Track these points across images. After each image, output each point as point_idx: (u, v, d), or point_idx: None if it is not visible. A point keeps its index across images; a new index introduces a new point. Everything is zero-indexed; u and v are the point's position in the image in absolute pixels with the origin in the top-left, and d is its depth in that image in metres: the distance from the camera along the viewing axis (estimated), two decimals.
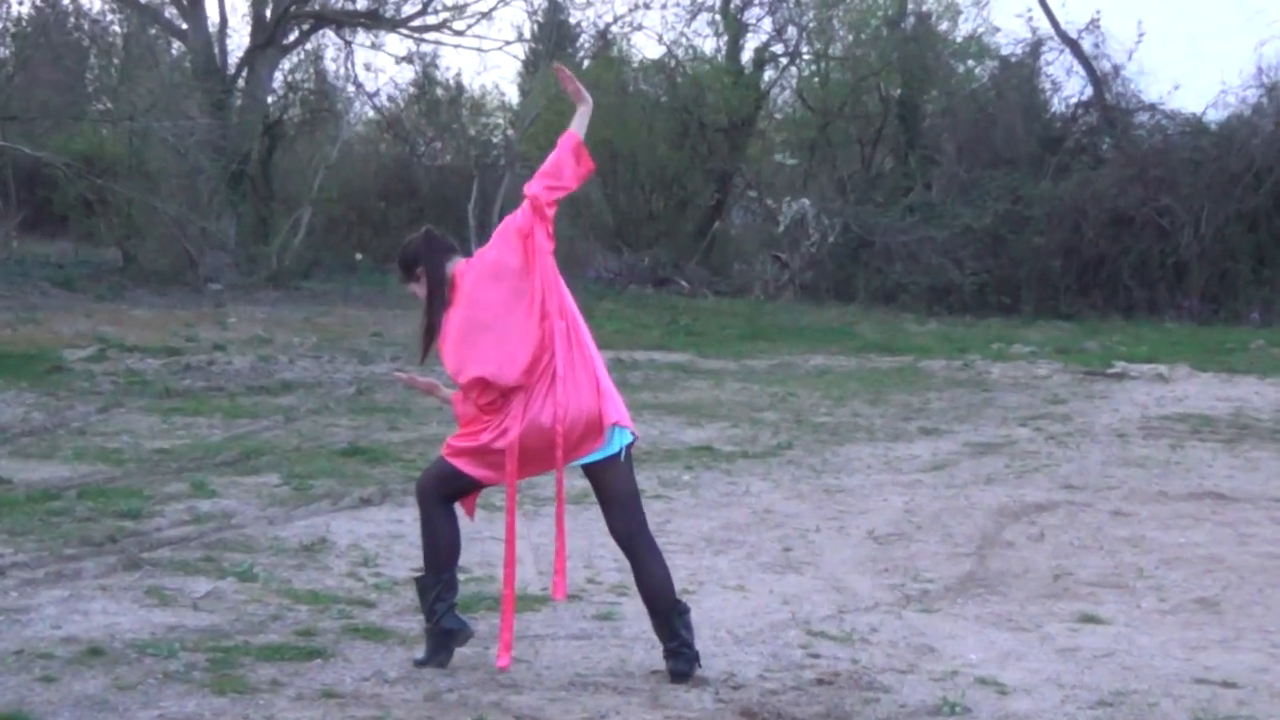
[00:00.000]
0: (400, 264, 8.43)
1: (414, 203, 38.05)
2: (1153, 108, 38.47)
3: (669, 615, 8.08)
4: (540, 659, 8.50)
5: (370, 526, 11.90)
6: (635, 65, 41.19)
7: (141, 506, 12.25)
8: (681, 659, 8.07)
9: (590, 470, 8.12)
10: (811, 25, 40.14)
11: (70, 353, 22.03)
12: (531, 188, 8.03)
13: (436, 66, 40.64)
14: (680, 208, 39.71)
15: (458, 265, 8.18)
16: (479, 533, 10.08)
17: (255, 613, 9.21)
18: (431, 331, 8.14)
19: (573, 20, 41.50)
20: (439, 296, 8.10)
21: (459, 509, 8.29)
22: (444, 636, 8.13)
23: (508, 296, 7.90)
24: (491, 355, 7.85)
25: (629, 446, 8.09)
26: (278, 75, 37.31)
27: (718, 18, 39.94)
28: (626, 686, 8.06)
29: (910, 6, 40.68)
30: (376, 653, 8.47)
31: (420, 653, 8.28)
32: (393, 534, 11.62)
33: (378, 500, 13.01)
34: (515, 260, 7.92)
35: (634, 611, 9.23)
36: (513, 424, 7.90)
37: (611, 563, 10.03)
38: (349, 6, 36.49)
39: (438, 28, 36.84)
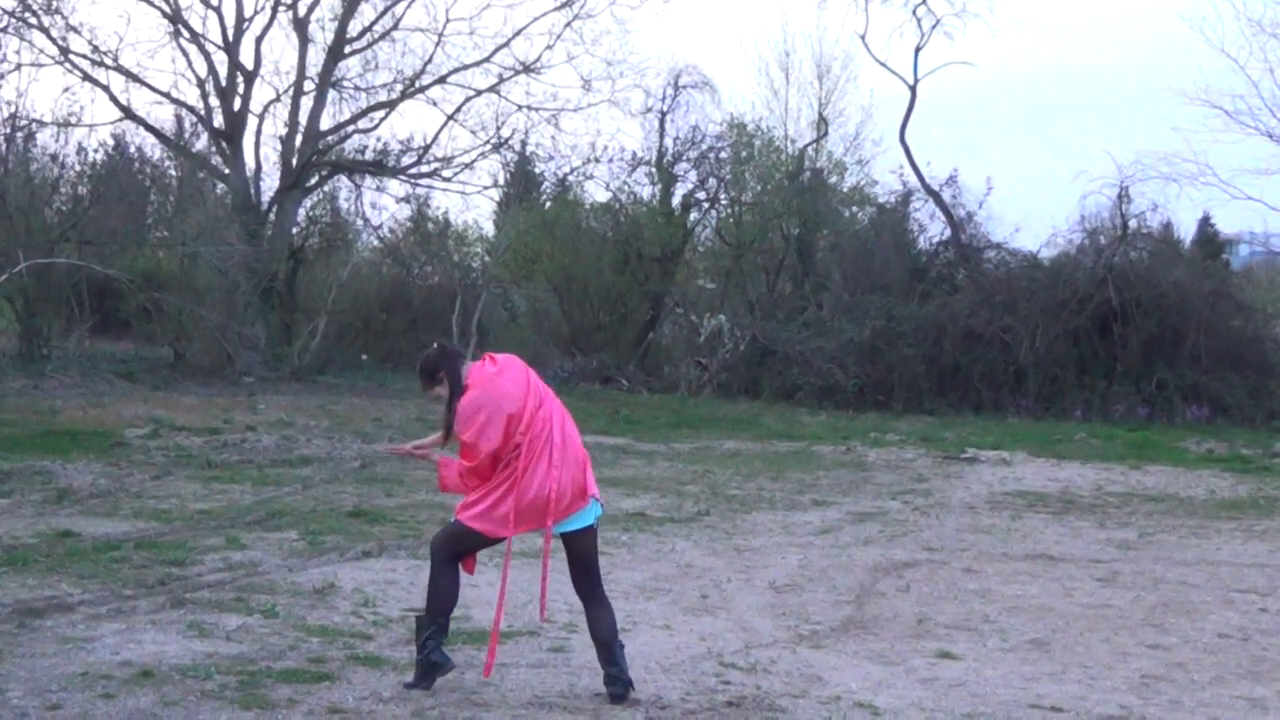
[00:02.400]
0: (423, 373, 8.44)
1: (408, 314, 38.00)
2: (998, 246, 38.70)
3: (611, 648, 8.13)
4: (505, 683, 8.50)
5: (370, 574, 11.87)
6: (587, 207, 41.28)
7: (186, 556, 12.25)
8: (618, 684, 8.14)
9: (568, 535, 8.17)
10: (728, 177, 40.27)
11: (130, 431, 21.95)
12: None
13: (428, 205, 40.66)
14: (622, 321, 39.71)
15: (470, 368, 8.23)
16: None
17: (276, 643, 9.20)
18: (451, 420, 8.17)
19: (537, 170, 41.65)
20: (458, 393, 8.13)
21: (461, 566, 8.33)
22: (431, 668, 8.19)
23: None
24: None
25: (598, 518, 8.23)
26: (301, 211, 37.31)
27: (653, 170, 40.04)
28: (575, 706, 8.08)
29: (807, 163, 40.93)
30: (373, 677, 8.47)
31: (410, 678, 8.29)
32: (388, 580, 11.61)
33: (377, 553, 12.98)
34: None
35: (580, 645, 9.22)
36: (513, 492, 7.98)
37: (563, 605, 10.01)
38: (359, 157, 36.56)
39: (430, 175, 36.94)
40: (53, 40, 32.74)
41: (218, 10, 35.29)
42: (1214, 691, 9.11)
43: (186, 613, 9.98)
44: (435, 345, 8.47)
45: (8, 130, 32.35)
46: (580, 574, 8.34)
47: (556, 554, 8.30)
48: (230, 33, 34.78)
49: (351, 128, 36.55)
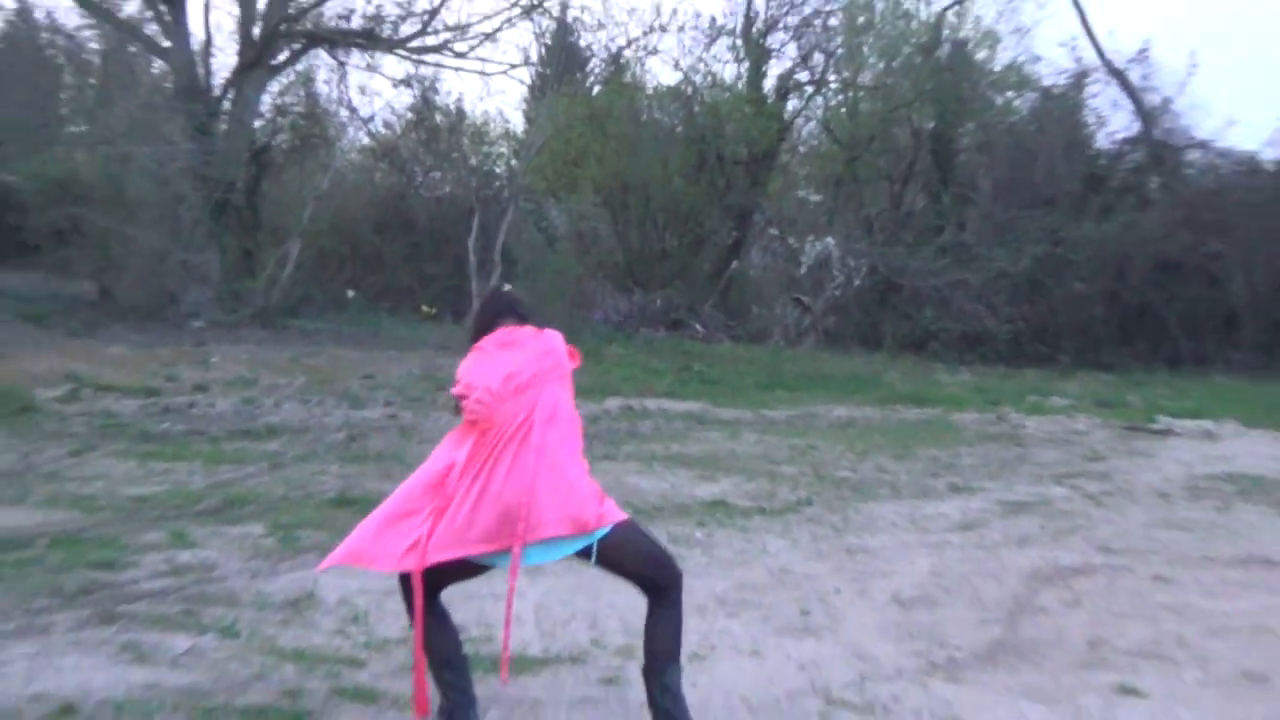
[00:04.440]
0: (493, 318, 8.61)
1: (410, 236, 37.98)
2: (1204, 145, 38.48)
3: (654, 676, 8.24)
4: None
5: (361, 582, 11.87)
6: (650, 92, 41.15)
7: (117, 557, 12.29)
8: None
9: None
10: (840, 52, 40.16)
11: (41, 392, 22.04)
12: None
13: (436, 91, 40.63)
14: (696, 246, 39.68)
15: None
16: (477, 591, 10.12)
17: (238, 671, 9.27)
18: None
19: (583, 43, 41.56)
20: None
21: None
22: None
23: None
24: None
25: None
26: (266, 98, 37.32)
27: (739, 42, 39.99)
28: None
29: (946, 33, 40.78)
30: (366, 715, 8.55)
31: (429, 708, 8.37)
32: (385, 590, 11.60)
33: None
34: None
35: (639, 676, 9.31)
36: None
37: (617, 624, 10.08)
38: (343, 26, 36.35)
39: (438, 49, 36.59)
40: None
41: None
42: None
43: (119, 631, 10.03)
44: (503, 287, 8.77)
45: None
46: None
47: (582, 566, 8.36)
48: None
49: None
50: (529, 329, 8.38)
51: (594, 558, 7.96)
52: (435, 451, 8.29)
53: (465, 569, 8.11)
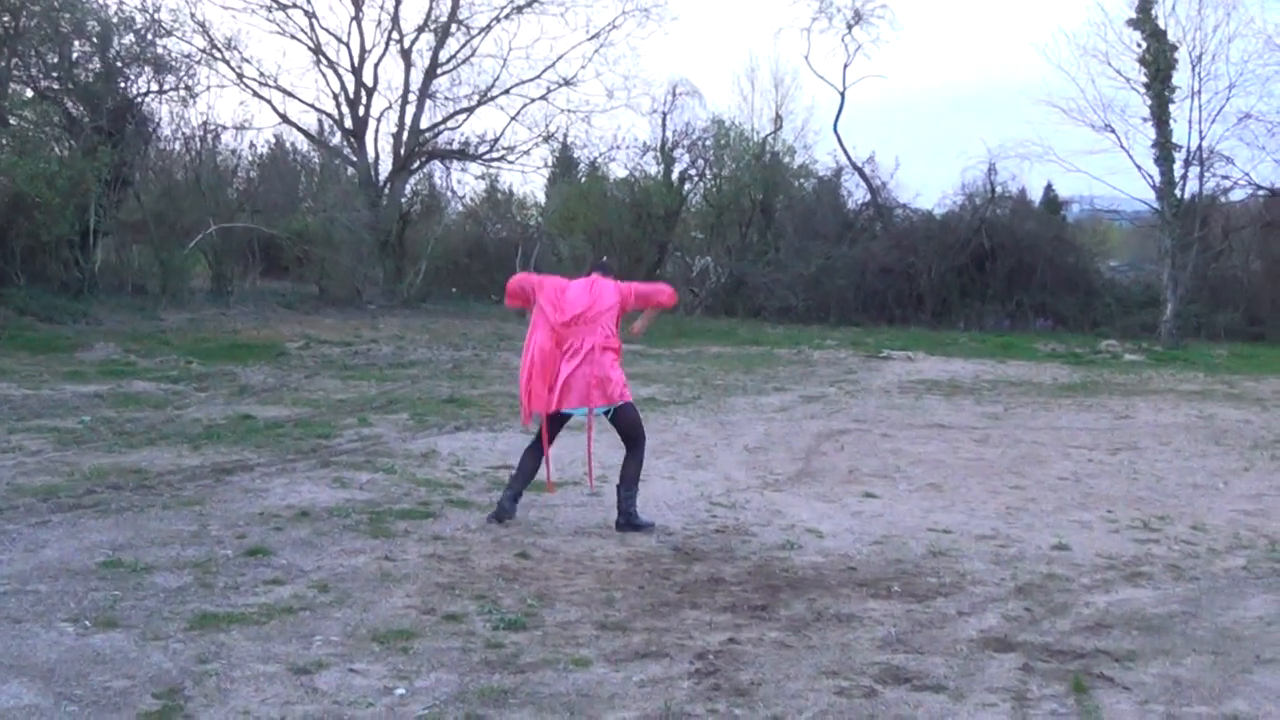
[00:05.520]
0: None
1: (484, 260, 37.82)
2: (904, 206, 38.56)
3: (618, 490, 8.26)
4: (557, 517, 8.52)
5: (460, 443, 11.82)
6: (611, 181, 40.84)
7: (330, 431, 12.24)
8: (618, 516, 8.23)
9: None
10: (711, 159, 39.91)
11: (289, 345, 21.93)
12: (632, 291, 8.40)
13: (498, 181, 40.56)
14: (637, 262, 39.14)
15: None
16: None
17: (394, 491, 9.20)
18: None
19: (575, 155, 41.24)
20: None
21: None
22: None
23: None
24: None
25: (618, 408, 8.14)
26: (407, 187, 37.15)
27: (658, 154, 39.63)
28: (607, 534, 8.09)
29: (767, 148, 40.42)
30: (464, 515, 8.48)
31: (488, 515, 8.31)
32: (473, 447, 11.58)
33: (465, 428, 12.98)
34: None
35: (610, 492, 9.25)
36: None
37: (598, 466, 10.01)
38: (448, 148, 36.40)
39: (499, 159, 36.77)
40: (231, 68, 32.65)
41: (346, 44, 35.68)
42: (1056, 517, 9.14)
43: (331, 471, 9.96)
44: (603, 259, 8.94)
45: (201, 133, 32.35)
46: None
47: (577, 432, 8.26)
48: (355, 60, 34.70)
49: (443, 127, 36.33)
50: (609, 281, 8.38)
51: (611, 415, 8.10)
52: (532, 333, 8.13)
53: (560, 417, 8.21)
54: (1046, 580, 7.17)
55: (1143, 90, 31.20)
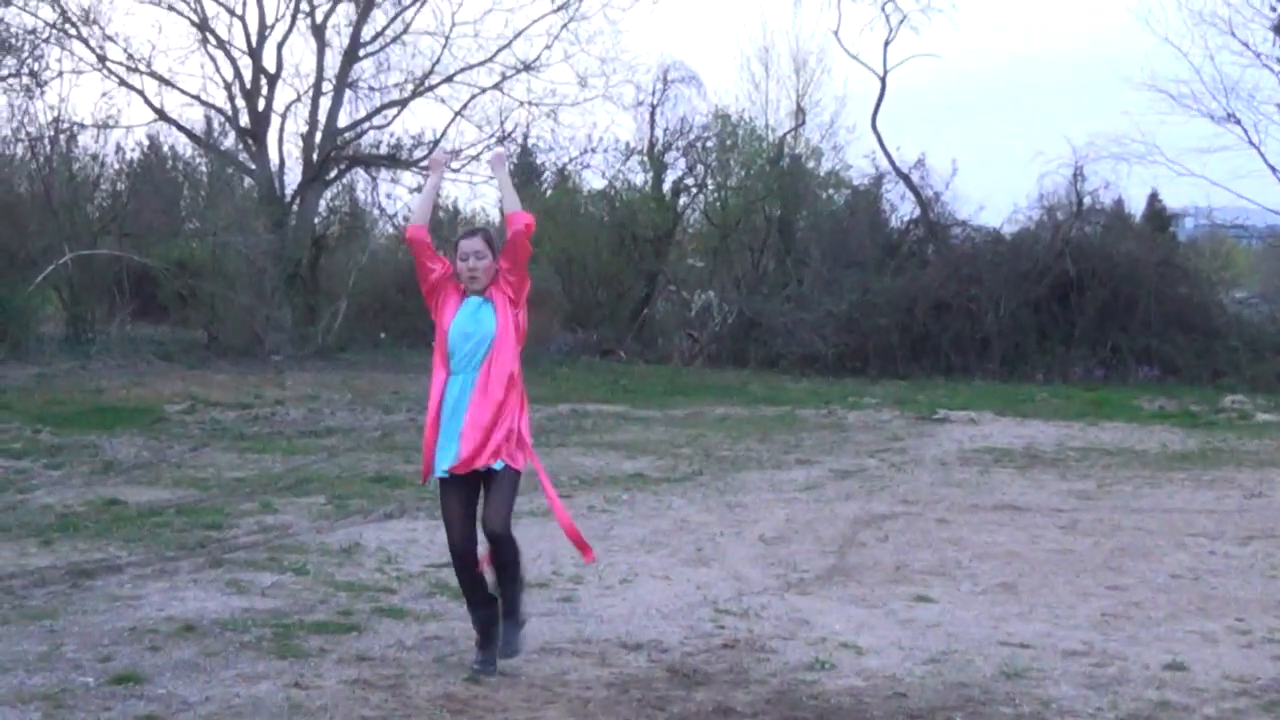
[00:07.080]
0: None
1: (420, 297, 37.85)
2: (964, 223, 38.60)
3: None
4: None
5: (392, 534, 11.85)
6: (585, 194, 41.13)
7: (223, 520, 12.25)
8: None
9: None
10: (714, 164, 40.16)
11: (169, 407, 21.92)
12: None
13: (440, 194, 40.74)
14: (619, 298, 39.57)
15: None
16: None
17: (307, 598, 9.20)
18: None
19: (538, 161, 41.49)
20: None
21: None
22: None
23: None
24: None
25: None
26: (322, 202, 37.25)
27: (645, 159, 39.90)
28: (583, 651, 8.06)
29: (786, 150, 40.76)
30: (398, 627, 8.47)
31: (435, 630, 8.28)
32: (409, 539, 11.59)
33: (398, 514, 12.96)
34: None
35: (586, 595, 9.23)
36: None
37: (569, 560, 9.98)
38: (374, 152, 36.51)
39: None
40: (91, 49, 32.89)
41: (242, 19, 35.51)
42: (1168, 627, 9.11)
43: (224, 572, 9.97)
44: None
45: (51, 133, 32.46)
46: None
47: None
48: (254, 39, 34.93)
49: (367, 125, 36.56)
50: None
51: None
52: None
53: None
54: (1158, 710, 7.15)
55: (1278, 69, 31.28)
